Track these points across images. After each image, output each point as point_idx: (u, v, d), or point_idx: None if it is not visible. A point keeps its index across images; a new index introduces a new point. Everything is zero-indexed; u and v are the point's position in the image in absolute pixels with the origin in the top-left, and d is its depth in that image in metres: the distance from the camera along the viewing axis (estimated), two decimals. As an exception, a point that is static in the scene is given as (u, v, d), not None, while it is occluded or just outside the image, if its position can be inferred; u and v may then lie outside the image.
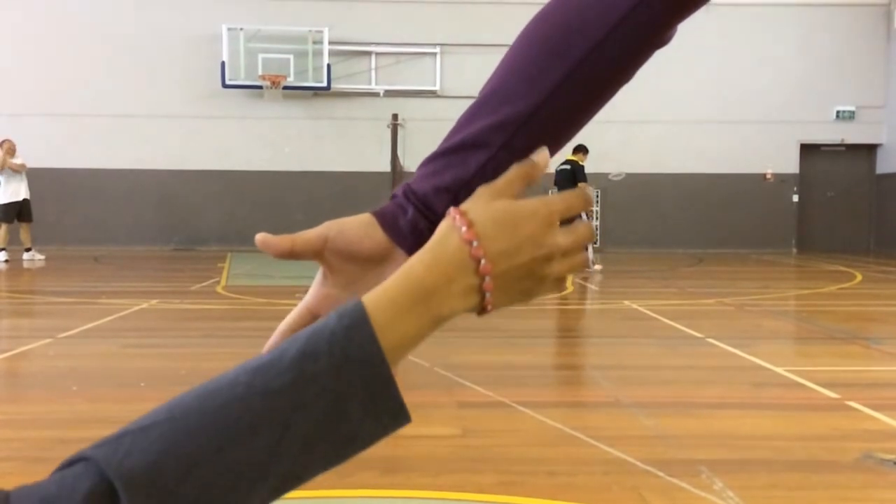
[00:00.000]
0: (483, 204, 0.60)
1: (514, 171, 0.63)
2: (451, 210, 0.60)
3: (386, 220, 0.69)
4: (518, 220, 0.59)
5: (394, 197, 0.71)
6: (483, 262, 0.58)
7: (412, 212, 0.69)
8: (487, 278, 0.58)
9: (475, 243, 0.58)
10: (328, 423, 0.51)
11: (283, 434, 0.50)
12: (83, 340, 5.29)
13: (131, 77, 14.75)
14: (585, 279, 10.11)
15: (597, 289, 9.24)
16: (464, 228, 0.58)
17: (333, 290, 0.70)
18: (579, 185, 10.32)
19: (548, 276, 0.61)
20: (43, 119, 14.55)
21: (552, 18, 0.67)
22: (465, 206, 0.61)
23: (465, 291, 0.58)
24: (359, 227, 0.69)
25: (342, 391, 0.51)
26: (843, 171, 16.02)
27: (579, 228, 0.62)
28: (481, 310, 0.60)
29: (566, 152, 10.85)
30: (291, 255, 0.67)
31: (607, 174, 14.67)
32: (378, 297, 0.56)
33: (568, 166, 10.74)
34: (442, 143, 0.70)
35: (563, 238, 0.61)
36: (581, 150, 10.87)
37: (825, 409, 3.64)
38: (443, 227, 0.60)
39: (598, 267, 10.92)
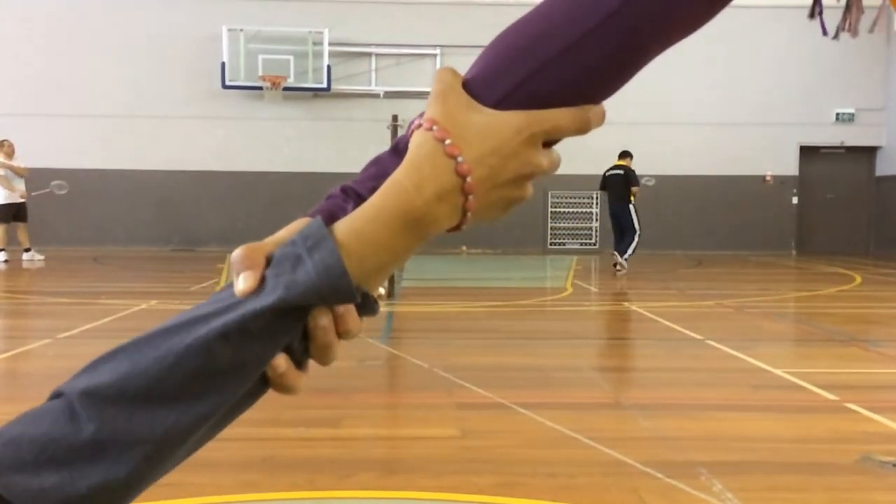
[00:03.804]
0: (460, 114, 0.57)
1: (563, 115, 0.58)
2: (426, 121, 0.57)
3: (325, 218, 0.64)
4: (504, 137, 0.57)
5: (329, 197, 0.66)
6: (469, 179, 0.56)
7: (352, 207, 0.63)
8: (471, 197, 0.56)
9: (460, 159, 0.56)
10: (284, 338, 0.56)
11: (238, 347, 0.53)
12: (83, 341, 5.29)
13: (131, 77, 14.75)
14: (617, 269, 10.18)
15: (597, 290, 9.24)
16: (448, 141, 0.56)
17: None
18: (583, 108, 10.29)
19: (525, 191, 0.60)
20: (43, 119, 14.54)
21: (521, 30, 0.62)
22: (439, 115, 0.57)
23: (451, 211, 0.57)
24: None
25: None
26: (842, 174, 16.03)
27: (553, 155, 0.60)
28: (456, 227, 0.59)
29: (613, 159, 11.23)
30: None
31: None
32: (353, 225, 0.56)
33: (621, 171, 10.85)
34: (391, 144, 0.67)
35: (545, 159, 0.59)
36: (629, 155, 11.09)
37: (824, 412, 3.64)
38: (421, 138, 0.57)
39: (622, 260, 10.85)
